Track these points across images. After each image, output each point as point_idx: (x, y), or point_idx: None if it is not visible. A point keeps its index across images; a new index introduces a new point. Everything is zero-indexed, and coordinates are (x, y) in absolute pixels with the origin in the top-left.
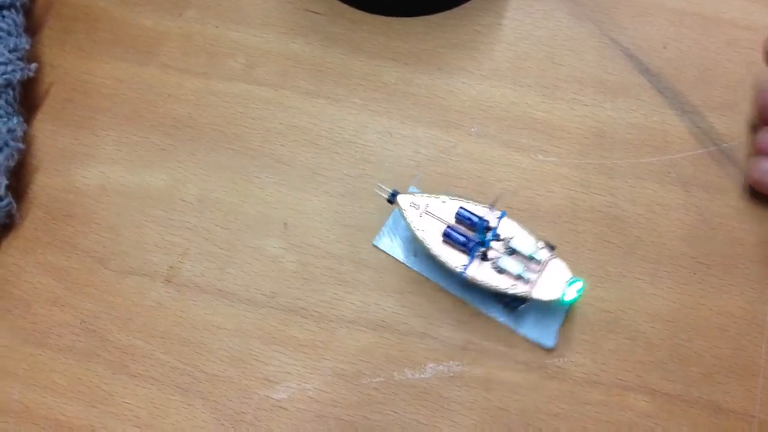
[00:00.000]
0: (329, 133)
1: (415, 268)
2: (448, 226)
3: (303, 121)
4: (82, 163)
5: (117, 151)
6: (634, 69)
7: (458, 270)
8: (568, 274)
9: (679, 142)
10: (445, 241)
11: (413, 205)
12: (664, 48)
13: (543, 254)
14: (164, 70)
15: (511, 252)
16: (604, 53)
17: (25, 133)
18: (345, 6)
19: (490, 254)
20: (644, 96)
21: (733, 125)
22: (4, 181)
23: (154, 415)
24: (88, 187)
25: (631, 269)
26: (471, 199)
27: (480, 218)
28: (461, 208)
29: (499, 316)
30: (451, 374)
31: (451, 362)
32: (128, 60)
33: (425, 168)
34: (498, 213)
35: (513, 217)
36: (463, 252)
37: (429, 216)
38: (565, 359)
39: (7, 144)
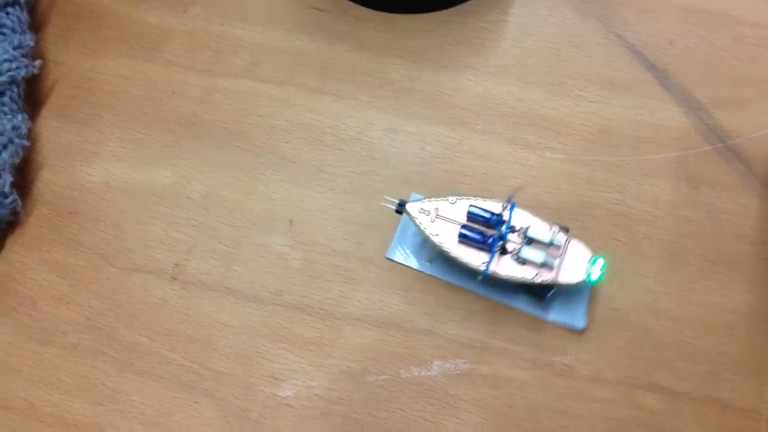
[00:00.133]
0: (334, 130)
1: (434, 274)
2: (463, 226)
3: (308, 118)
4: (87, 160)
5: (121, 148)
6: (641, 65)
7: (481, 268)
8: (588, 254)
9: (686, 138)
10: (461, 242)
11: (423, 211)
12: (671, 44)
13: (560, 238)
14: (169, 67)
15: (529, 241)
16: (610, 50)
17: (30, 130)
18: (350, 3)
19: (509, 247)
20: (651, 93)
21: (740, 122)
22: (9, 178)
23: (160, 412)
24: (93, 184)
25: (638, 266)
26: (478, 196)
27: (493, 213)
28: (471, 206)
29: (526, 307)
30: (458, 372)
31: (457, 360)
32: (133, 57)
33: (431, 165)
34: (507, 205)
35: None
36: (482, 249)
37: (441, 219)
38: (572, 357)
39: (11, 141)
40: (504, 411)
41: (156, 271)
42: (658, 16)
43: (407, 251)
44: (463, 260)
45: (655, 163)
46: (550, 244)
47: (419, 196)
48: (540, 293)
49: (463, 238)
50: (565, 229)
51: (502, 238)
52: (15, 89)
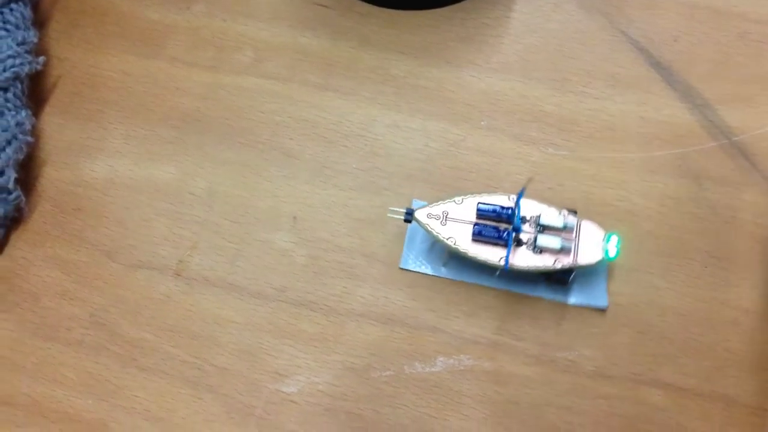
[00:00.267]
0: (338, 126)
1: (450, 277)
2: (475, 224)
3: (312, 115)
4: (90, 156)
5: (125, 145)
6: (645, 62)
7: (500, 263)
8: (602, 232)
9: (691, 135)
10: (475, 240)
11: (432, 216)
12: (675, 41)
13: (572, 220)
14: (172, 63)
15: (542, 229)
16: (614, 46)
17: (34, 126)
18: None
19: (523, 237)
20: (655, 89)
21: (744, 118)
22: (13, 174)
23: (164, 408)
24: (97, 181)
25: (642, 263)
26: (482, 192)
27: (503, 207)
28: (480, 203)
29: (547, 295)
30: (462, 368)
31: (461, 356)
32: (136, 53)
33: (434, 161)
34: (514, 196)
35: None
36: (497, 244)
37: (452, 221)
38: (577, 353)
39: (15, 137)
40: (508, 407)
41: (160, 267)
42: (663, 13)
43: (419, 259)
44: (481, 258)
45: (660, 160)
46: (564, 228)
47: (421, 202)
48: (561, 278)
49: (477, 236)
50: (574, 212)
51: (517, 229)
52: (19, 85)
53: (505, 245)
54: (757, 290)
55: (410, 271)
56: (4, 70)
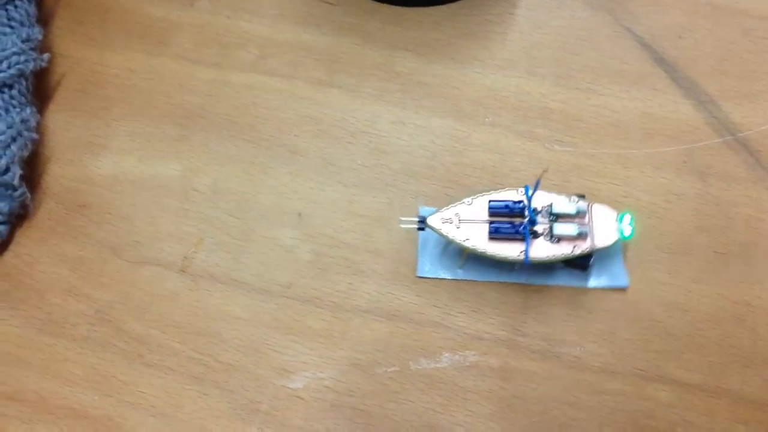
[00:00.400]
0: (342, 123)
1: (468, 278)
2: (491, 223)
3: (316, 112)
4: (95, 153)
5: (130, 142)
6: (650, 58)
7: (520, 258)
8: (614, 213)
9: (695, 131)
10: (492, 238)
11: (445, 220)
12: (680, 38)
13: (583, 205)
14: (176, 60)
15: (555, 218)
16: (619, 43)
17: (39, 123)
18: None
19: (538, 229)
20: (659, 86)
21: (749, 114)
22: (18, 171)
23: (170, 404)
24: (102, 178)
25: (647, 259)
26: (490, 189)
27: (514, 201)
28: (491, 200)
29: (567, 282)
30: (467, 363)
31: (466, 351)
32: (140, 50)
33: (439, 158)
34: (522, 190)
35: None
36: (514, 240)
37: (466, 223)
38: (582, 348)
39: (20, 134)
40: (513, 402)
41: (165, 263)
42: (667, 9)
43: (435, 264)
44: (500, 256)
45: (665, 156)
46: (576, 214)
47: (429, 209)
48: (581, 264)
49: (495, 234)
50: (582, 196)
51: (533, 221)
52: (23, 82)
53: (523, 239)
54: (761, 286)
55: (427, 278)
56: (9, 67)
